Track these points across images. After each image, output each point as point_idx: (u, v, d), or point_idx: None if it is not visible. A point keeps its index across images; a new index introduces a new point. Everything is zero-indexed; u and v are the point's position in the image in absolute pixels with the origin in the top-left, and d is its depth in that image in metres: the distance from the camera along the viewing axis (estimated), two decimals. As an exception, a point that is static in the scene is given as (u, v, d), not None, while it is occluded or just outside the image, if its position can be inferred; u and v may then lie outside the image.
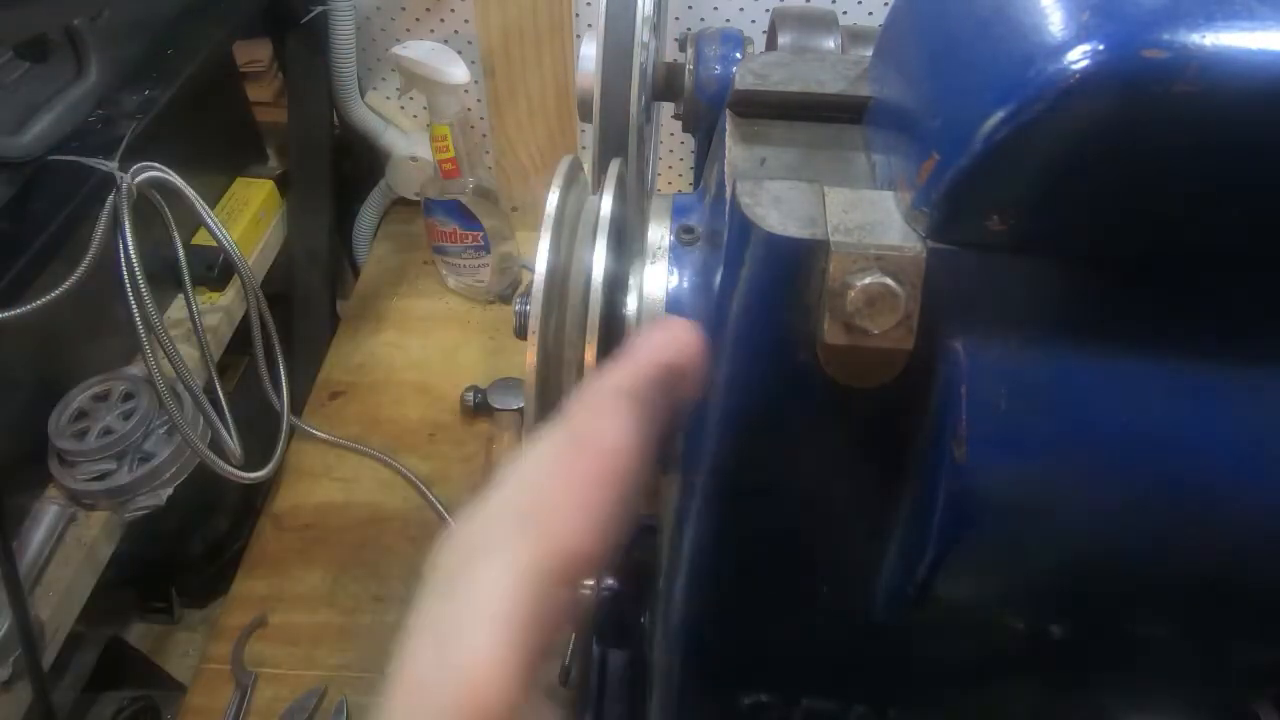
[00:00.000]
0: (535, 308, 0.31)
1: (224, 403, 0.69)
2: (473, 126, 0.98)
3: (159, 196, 0.62)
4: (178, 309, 0.73)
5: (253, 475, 0.68)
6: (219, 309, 0.78)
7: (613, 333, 0.33)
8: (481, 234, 0.90)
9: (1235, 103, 0.22)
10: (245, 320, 0.73)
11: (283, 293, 0.92)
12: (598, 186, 0.35)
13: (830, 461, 0.30)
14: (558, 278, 0.32)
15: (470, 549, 0.19)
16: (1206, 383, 0.27)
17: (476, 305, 0.96)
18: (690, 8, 0.87)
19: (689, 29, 0.53)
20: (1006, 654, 0.34)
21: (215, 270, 0.78)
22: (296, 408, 0.85)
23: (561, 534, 0.19)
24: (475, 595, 0.18)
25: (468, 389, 0.86)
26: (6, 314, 0.50)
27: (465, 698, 0.17)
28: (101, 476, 0.62)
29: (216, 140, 0.86)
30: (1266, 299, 0.26)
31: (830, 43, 0.47)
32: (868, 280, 0.25)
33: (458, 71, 0.83)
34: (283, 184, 0.91)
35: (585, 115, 0.48)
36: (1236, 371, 0.27)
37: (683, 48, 0.52)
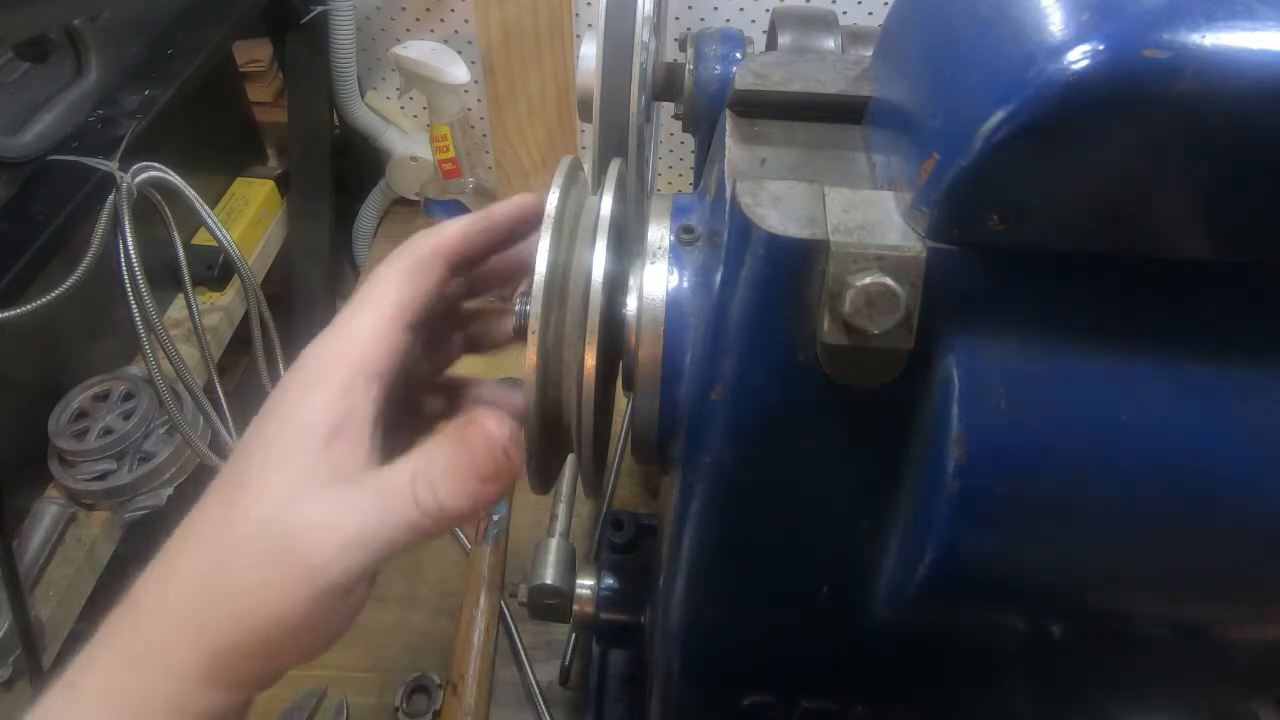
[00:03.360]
0: (535, 308, 0.31)
1: (224, 403, 0.68)
2: (473, 126, 0.98)
3: (159, 196, 0.62)
4: (178, 309, 0.73)
5: (253, 475, 0.68)
6: (219, 309, 0.78)
7: (613, 332, 0.33)
8: (482, 234, 0.90)
9: (1235, 103, 0.22)
10: (245, 320, 0.73)
11: (283, 293, 0.91)
12: (598, 186, 0.35)
13: (830, 461, 0.30)
14: (558, 278, 0.32)
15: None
16: (1206, 383, 0.27)
17: (476, 305, 0.96)
18: (690, 8, 0.87)
19: (689, 29, 0.53)
20: (1006, 654, 0.34)
21: (215, 270, 0.78)
22: (297, 407, 0.84)
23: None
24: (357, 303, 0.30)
25: (468, 389, 0.85)
26: (6, 314, 0.50)
27: (344, 335, 0.29)
28: (101, 476, 0.62)
29: (216, 140, 0.86)
30: (1266, 299, 0.26)
31: (830, 43, 0.47)
32: (868, 280, 0.25)
33: (458, 71, 0.83)
34: (283, 184, 0.91)
35: (585, 115, 0.48)
36: (1236, 371, 0.27)
37: (683, 48, 0.52)
